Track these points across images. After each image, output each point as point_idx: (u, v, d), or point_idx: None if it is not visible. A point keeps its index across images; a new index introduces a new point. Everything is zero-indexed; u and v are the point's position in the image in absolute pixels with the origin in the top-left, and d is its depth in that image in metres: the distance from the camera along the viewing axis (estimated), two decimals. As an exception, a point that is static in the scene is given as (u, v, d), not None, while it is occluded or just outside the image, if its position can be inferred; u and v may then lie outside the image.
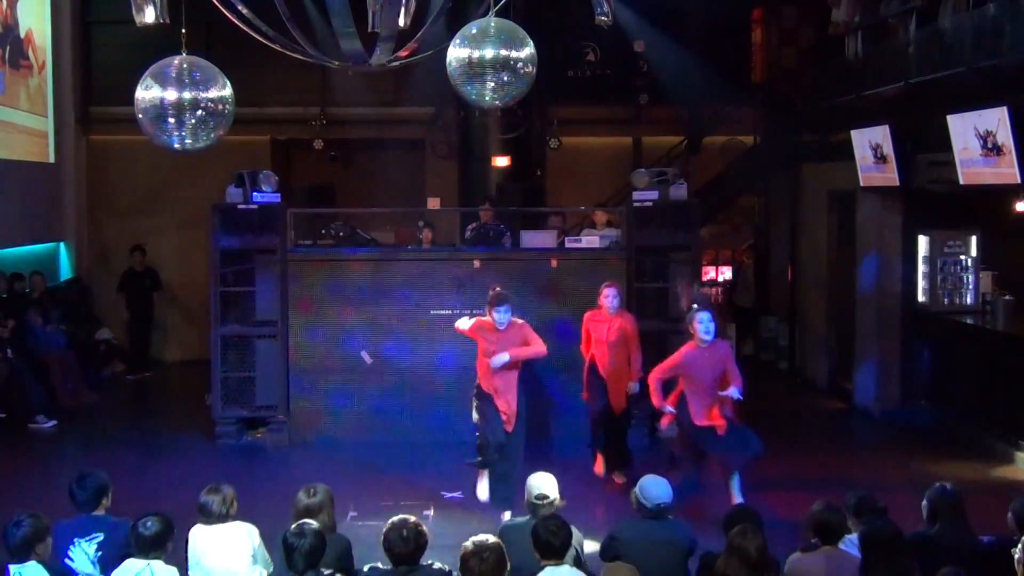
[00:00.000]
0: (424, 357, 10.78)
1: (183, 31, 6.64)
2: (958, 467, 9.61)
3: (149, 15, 6.57)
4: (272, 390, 10.86)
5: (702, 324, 8.09)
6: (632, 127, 15.83)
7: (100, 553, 5.46)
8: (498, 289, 8.48)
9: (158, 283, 14.86)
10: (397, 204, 14.73)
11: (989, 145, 8.85)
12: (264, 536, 5.64)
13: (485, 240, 11.65)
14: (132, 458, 10.17)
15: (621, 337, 9.10)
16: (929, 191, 11.01)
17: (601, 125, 15.65)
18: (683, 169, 13.38)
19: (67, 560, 5.41)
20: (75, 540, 5.48)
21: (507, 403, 8.18)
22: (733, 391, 8.04)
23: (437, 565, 4.97)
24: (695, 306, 8.29)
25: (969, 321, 11.58)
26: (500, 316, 8.19)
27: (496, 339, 8.20)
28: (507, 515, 7.74)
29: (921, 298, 12.03)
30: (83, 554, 5.45)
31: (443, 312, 10.68)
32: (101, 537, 5.49)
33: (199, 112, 6.25)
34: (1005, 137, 8.64)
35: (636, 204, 10.99)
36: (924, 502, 5.64)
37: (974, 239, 11.88)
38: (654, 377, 8.31)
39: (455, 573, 4.87)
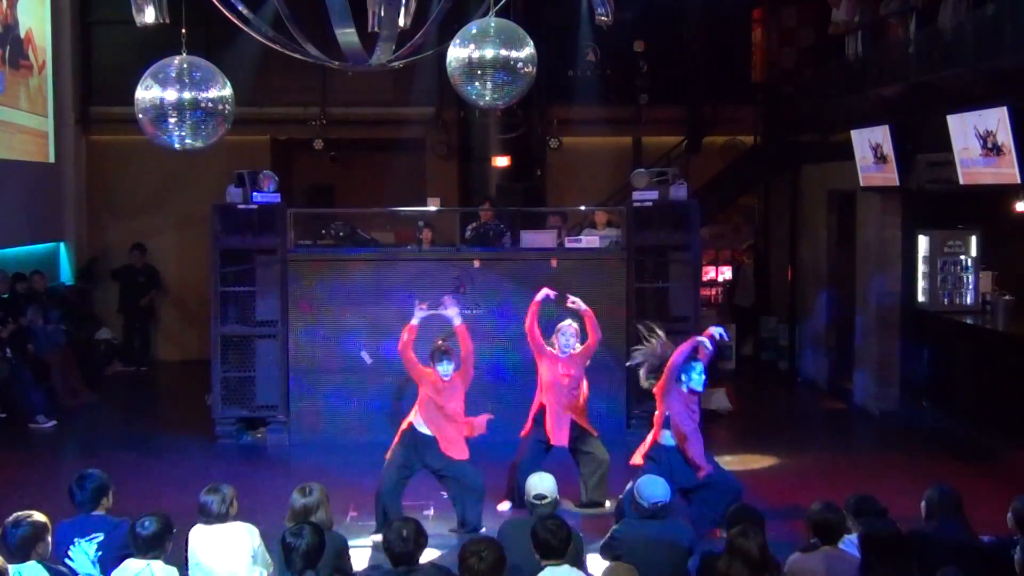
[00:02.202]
0: (424, 357, 10.73)
1: (183, 31, 6.65)
2: (958, 467, 9.60)
3: (149, 15, 6.58)
4: (272, 390, 10.86)
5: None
6: (632, 127, 15.82)
7: (100, 553, 5.46)
8: (439, 342, 8.19)
9: (155, 281, 14.94)
10: (397, 204, 14.74)
11: (989, 145, 8.85)
12: (264, 536, 5.64)
13: (485, 240, 11.65)
14: (132, 458, 10.17)
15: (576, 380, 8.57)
16: (929, 191, 11.01)
17: (601, 125, 15.64)
18: (683, 169, 13.39)
19: (67, 560, 5.40)
20: (75, 540, 5.48)
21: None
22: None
23: (437, 565, 4.98)
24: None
25: (969, 321, 11.58)
26: (444, 369, 7.96)
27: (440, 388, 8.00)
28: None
29: (921, 298, 12.03)
30: (83, 554, 5.45)
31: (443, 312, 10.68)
32: (101, 537, 5.49)
33: (199, 112, 6.25)
34: (1005, 137, 8.64)
35: (636, 204, 11.00)
36: (923, 502, 5.64)
37: (974, 239, 11.89)
38: None
39: (454, 573, 4.87)
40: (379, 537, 7.49)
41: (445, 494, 8.38)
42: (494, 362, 10.64)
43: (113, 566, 5.22)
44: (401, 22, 7.29)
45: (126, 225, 15.32)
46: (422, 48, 7.65)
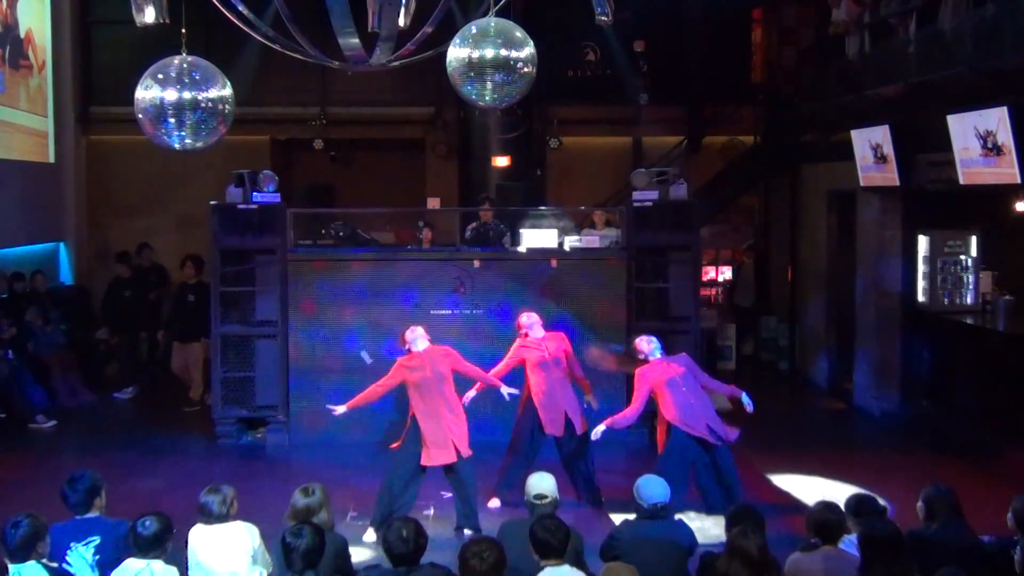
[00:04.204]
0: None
1: (183, 31, 6.65)
2: (958, 467, 9.61)
3: (149, 15, 6.58)
4: (272, 390, 10.86)
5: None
6: (632, 127, 15.83)
7: (98, 556, 5.43)
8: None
9: (165, 279, 14.17)
10: (397, 204, 14.73)
11: (989, 145, 8.85)
12: (264, 536, 5.64)
13: (485, 240, 11.65)
14: (132, 458, 10.17)
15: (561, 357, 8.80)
16: (929, 191, 11.01)
17: (601, 125, 15.66)
18: (683, 169, 13.38)
19: (65, 565, 5.37)
20: (71, 544, 5.43)
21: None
22: None
23: (437, 565, 4.97)
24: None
25: (969, 321, 11.58)
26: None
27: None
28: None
29: (921, 298, 12.03)
30: (80, 558, 5.42)
31: (443, 312, 10.70)
32: (98, 540, 5.45)
33: (199, 112, 6.25)
34: (1005, 137, 8.64)
35: (636, 204, 11.00)
36: (920, 502, 5.64)
37: (974, 239, 11.88)
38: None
39: (454, 573, 4.86)
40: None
41: (445, 494, 8.40)
42: (493, 362, 10.62)
43: (112, 568, 5.21)
44: (401, 22, 7.30)
45: (126, 225, 15.32)
46: (425, 47, 7.64)
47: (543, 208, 13.52)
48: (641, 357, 8.36)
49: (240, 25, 7.32)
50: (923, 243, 11.98)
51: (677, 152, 15.60)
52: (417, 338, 8.12)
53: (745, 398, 8.31)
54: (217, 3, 7.00)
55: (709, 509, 8.04)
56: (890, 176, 11.07)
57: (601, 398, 9.22)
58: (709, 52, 15.34)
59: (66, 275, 14.83)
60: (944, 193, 10.85)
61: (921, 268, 12.00)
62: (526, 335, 8.81)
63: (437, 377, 7.95)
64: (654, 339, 8.46)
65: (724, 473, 8.15)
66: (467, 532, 7.82)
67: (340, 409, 8.20)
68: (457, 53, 6.12)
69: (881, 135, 11.03)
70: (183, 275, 12.59)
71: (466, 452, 7.91)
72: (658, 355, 8.33)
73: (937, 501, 5.55)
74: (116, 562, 5.20)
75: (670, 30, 15.26)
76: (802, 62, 15.09)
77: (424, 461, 7.88)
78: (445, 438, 7.86)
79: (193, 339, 12.28)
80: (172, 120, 6.24)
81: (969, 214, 11.89)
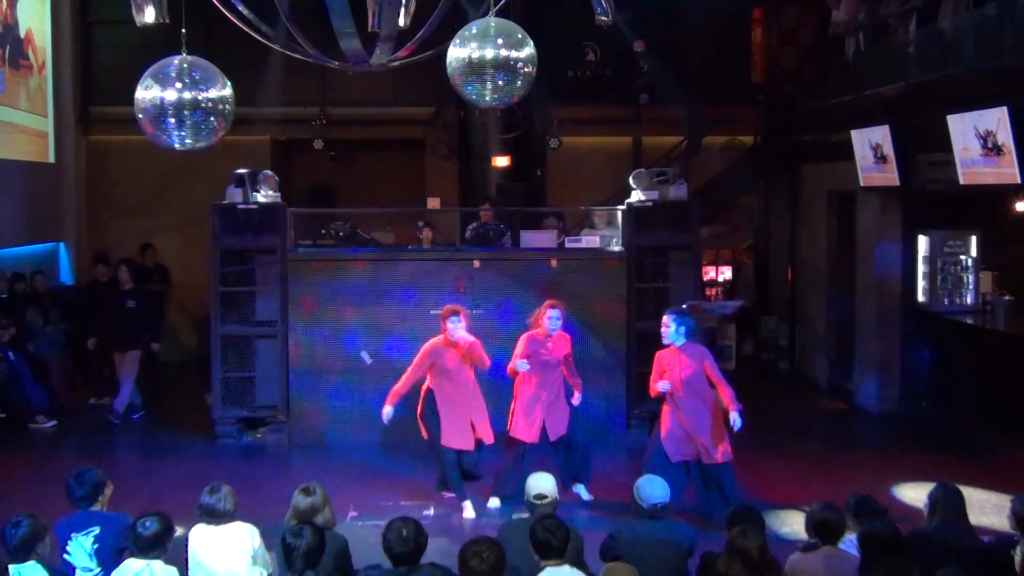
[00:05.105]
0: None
1: (183, 31, 6.66)
2: (958, 467, 9.60)
3: (149, 15, 6.60)
4: (272, 390, 10.86)
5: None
6: (632, 127, 15.83)
7: (96, 546, 5.52)
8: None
9: (167, 279, 14.23)
10: (397, 204, 14.72)
11: (989, 145, 8.85)
12: (264, 536, 5.65)
13: (485, 240, 11.65)
14: (132, 458, 10.18)
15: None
16: (929, 191, 11.02)
17: (601, 125, 15.65)
18: (683, 169, 13.38)
19: (65, 555, 5.46)
20: (72, 535, 5.54)
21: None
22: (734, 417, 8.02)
23: (437, 565, 4.97)
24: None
25: (969, 321, 11.58)
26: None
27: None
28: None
29: (921, 298, 12.03)
30: (80, 548, 5.52)
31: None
32: (97, 531, 5.56)
33: (199, 112, 6.25)
34: (1005, 137, 8.65)
35: (636, 204, 11.00)
36: (926, 500, 5.64)
37: (974, 239, 11.89)
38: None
39: (454, 573, 4.86)
40: None
41: (445, 494, 8.41)
42: (494, 361, 10.62)
43: (110, 559, 5.27)
44: (401, 22, 7.30)
45: (126, 225, 15.32)
46: (427, 48, 7.65)
47: (543, 208, 13.55)
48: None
49: (240, 25, 7.33)
50: (923, 243, 11.98)
51: (677, 152, 15.60)
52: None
53: (735, 415, 8.14)
54: (218, 3, 7.01)
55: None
56: (890, 176, 11.08)
57: (600, 395, 9.18)
58: (709, 52, 15.34)
59: (66, 275, 14.81)
60: (944, 193, 10.85)
61: (921, 268, 12.00)
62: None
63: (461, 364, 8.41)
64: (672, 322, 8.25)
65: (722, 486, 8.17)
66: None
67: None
68: (457, 53, 6.12)
69: (881, 135, 11.03)
70: (121, 280, 12.05)
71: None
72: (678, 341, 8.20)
73: (941, 500, 5.56)
74: (114, 553, 5.25)
75: (670, 30, 15.24)
76: (802, 62, 15.09)
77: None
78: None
79: (131, 347, 11.76)
80: (172, 120, 6.25)
81: (969, 214, 11.90)
